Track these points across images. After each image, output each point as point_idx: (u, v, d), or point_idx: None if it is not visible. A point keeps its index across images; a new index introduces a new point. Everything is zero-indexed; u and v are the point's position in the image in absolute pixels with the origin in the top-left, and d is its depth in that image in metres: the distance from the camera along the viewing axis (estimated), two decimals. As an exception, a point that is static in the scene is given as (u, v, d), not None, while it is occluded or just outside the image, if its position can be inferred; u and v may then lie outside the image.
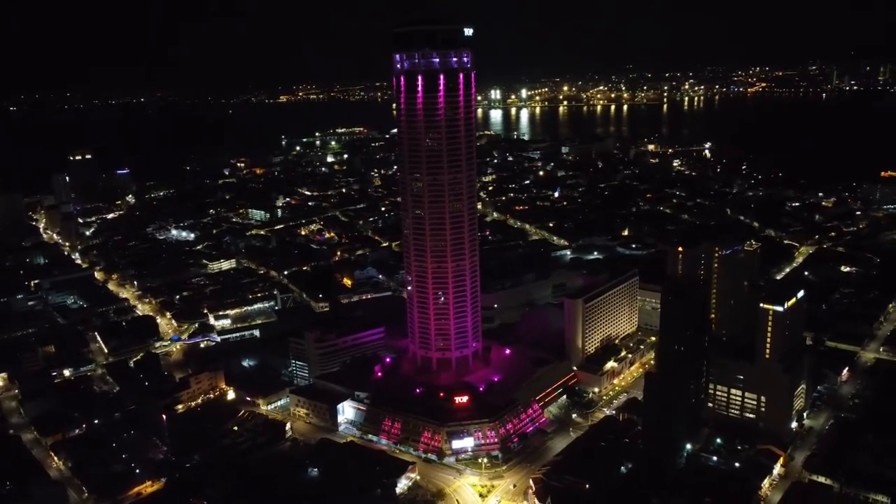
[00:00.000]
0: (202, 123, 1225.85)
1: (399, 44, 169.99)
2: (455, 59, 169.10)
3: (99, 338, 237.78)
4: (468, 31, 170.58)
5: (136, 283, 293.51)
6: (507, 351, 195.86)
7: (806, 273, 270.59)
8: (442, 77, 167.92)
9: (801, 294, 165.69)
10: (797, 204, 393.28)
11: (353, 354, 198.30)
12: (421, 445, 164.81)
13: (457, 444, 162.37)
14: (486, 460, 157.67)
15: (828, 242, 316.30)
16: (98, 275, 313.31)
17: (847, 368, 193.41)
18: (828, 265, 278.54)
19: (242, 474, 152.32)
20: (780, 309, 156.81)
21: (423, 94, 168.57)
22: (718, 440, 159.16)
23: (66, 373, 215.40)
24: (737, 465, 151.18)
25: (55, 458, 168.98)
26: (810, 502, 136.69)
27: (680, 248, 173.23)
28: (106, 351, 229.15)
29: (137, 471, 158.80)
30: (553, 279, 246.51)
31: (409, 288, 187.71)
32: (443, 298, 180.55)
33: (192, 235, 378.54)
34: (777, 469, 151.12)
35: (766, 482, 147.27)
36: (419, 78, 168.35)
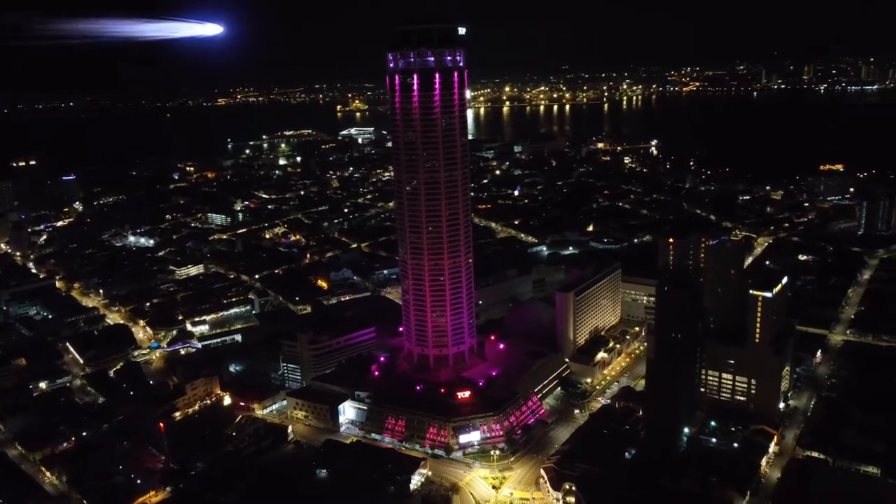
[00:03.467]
0: (142, 127, 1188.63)
1: (394, 43, 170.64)
2: (450, 58, 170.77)
3: (72, 348, 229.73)
4: (462, 31, 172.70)
5: (101, 291, 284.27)
6: (502, 346, 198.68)
7: (767, 262, 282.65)
8: (437, 76, 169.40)
9: (784, 280, 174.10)
10: (748, 197, 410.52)
11: (349, 355, 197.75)
12: (427, 442, 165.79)
13: (464, 438, 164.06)
14: (497, 452, 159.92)
15: (783, 233, 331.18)
16: (58, 284, 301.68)
17: (820, 351, 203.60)
18: (786, 254, 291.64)
19: (252, 479, 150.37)
20: (769, 295, 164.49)
21: (419, 92, 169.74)
22: (713, 423, 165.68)
23: (42, 385, 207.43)
24: (735, 445, 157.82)
25: (47, 473, 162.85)
26: (810, 476, 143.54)
27: (671, 239, 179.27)
28: (81, 361, 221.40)
29: (138, 481, 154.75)
30: (533, 275, 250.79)
31: (405, 286, 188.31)
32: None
33: (152, 241, 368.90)
34: (772, 447, 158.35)
35: (763, 460, 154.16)
36: (415, 77, 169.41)
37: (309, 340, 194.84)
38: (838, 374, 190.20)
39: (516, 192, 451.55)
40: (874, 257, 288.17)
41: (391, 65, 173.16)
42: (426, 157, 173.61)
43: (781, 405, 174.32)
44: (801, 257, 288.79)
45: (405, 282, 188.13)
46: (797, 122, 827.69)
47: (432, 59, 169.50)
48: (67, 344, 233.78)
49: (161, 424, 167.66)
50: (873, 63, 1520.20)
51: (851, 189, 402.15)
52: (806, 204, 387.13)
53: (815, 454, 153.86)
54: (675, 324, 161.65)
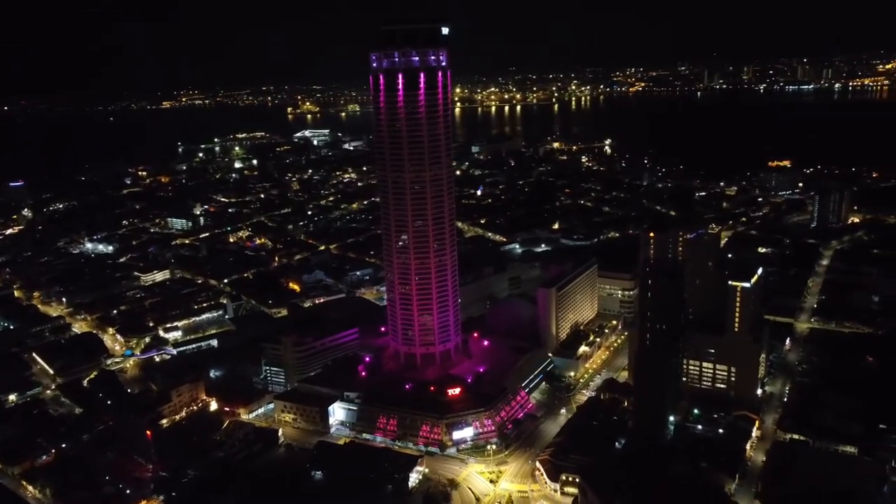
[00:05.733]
0: (86, 132, 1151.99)
1: (379, 42, 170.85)
2: (434, 58, 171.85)
3: (40, 359, 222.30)
4: (445, 31, 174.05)
5: (64, 300, 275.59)
6: (486, 342, 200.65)
7: (729, 255, 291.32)
8: (422, 75, 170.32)
9: (760, 271, 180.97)
10: (704, 193, 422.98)
11: (333, 356, 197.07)
12: (420, 440, 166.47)
13: (457, 434, 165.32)
14: (493, 447, 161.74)
15: (741, 227, 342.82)
16: (16, 293, 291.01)
17: (789, 338, 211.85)
18: (746, 247, 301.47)
19: (247, 484, 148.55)
20: (747, 285, 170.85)
21: (404, 92, 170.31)
22: (696, 411, 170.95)
23: (12, 398, 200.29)
24: (720, 431, 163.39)
25: (29, 488, 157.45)
26: (794, 458, 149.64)
27: (651, 234, 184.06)
28: (52, 372, 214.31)
29: (128, 491, 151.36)
30: (509, 272, 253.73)
31: (391, 285, 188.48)
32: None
33: (111, 248, 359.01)
34: (754, 432, 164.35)
35: (747, 445, 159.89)
36: (399, 76, 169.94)
37: (293, 343, 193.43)
38: (808, 361, 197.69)
39: (479, 192, 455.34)
40: (828, 248, 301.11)
41: (374, 64, 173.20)
42: (411, 156, 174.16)
43: (759, 391, 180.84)
44: (761, 250, 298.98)
45: (391, 281, 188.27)
46: (742, 121, 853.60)
47: (416, 58, 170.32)
48: (34, 354, 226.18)
49: (148, 432, 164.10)
50: (807, 63, 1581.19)
51: (800, 184, 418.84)
52: (759, 199, 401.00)
53: (795, 437, 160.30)
54: (661, 315, 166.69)
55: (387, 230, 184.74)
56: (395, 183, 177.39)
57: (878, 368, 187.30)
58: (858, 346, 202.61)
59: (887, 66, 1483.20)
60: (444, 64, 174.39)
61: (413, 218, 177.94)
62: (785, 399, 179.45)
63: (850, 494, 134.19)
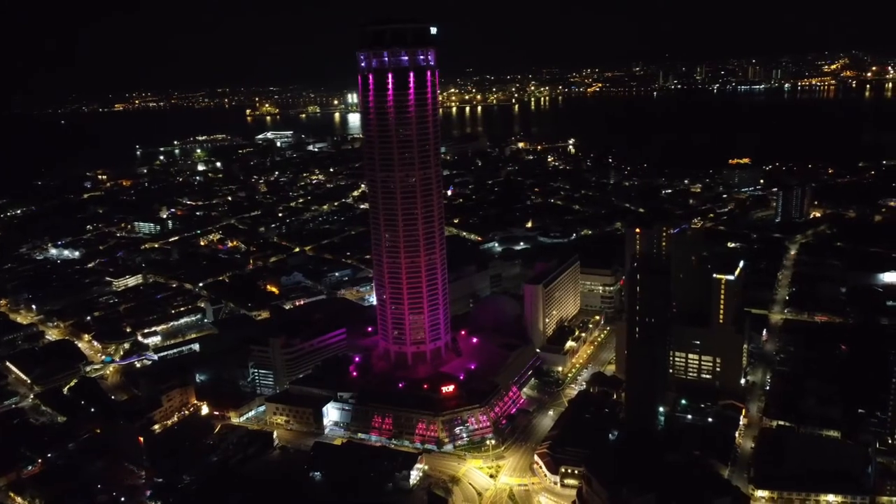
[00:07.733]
0: (38, 135, 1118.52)
1: (367, 42, 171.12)
2: (423, 58, 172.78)
3: (15, 367, 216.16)
4: (433, 30, 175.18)
5: (34, 307, 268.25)
6: (474, 340, 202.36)
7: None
8: (412, 75, 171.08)
9: (742, 264, 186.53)
10: (670, 191, 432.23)
11: (322, 357, 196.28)
12: (417, 437, 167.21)
13: (453, 431, 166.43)
14: (492, 442, 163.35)
15: (709, 223, 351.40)
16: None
17: (765, 329, 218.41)
18: (716, 243, 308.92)
19: (247, 487, 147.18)
20: (731, 278, 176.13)
21: (394, 91, 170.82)
22: (683, 401, 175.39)
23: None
24: (709, 420, 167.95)
25: (18, 499, 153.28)
26: (781, 443, 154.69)
27: (638, 230, 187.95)
28: (28, 381, 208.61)
29: (122, 499, 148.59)
30: (490, 270, 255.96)
31: (380, 284, 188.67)
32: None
33: (77, 253, 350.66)
34: (741, 420, 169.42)
35: (736, 432, 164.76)
36: (389, 76, 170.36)
37: (282, 345, 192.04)
38: (786, 350, 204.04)
39: (449, 192, 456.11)
40: (794, 242, 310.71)
41: (363, 64, 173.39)
42: (401, 155, 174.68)
43: (742, 381, 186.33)
44: (730, 245, 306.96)
45: (380, 280, 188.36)
46: (700, 120, 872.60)
47: (406, 58, 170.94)
48: (8, 363, 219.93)
49: (140, 438, 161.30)
50: (757, 64, 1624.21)
51: (761, 181, 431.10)
52: (724, 196, 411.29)
53: (781, 423, 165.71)
54: (649, 309, 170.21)
55: (376, 230, 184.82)
56: (385, 183, 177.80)
57: (851, 356, 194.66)
58: (831, 336, 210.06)
59: (832, 67, 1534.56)
60: (432, 63, 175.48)
61: (403, 218, 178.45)
62: (767, 387, 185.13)
63: (838, 475, 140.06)
